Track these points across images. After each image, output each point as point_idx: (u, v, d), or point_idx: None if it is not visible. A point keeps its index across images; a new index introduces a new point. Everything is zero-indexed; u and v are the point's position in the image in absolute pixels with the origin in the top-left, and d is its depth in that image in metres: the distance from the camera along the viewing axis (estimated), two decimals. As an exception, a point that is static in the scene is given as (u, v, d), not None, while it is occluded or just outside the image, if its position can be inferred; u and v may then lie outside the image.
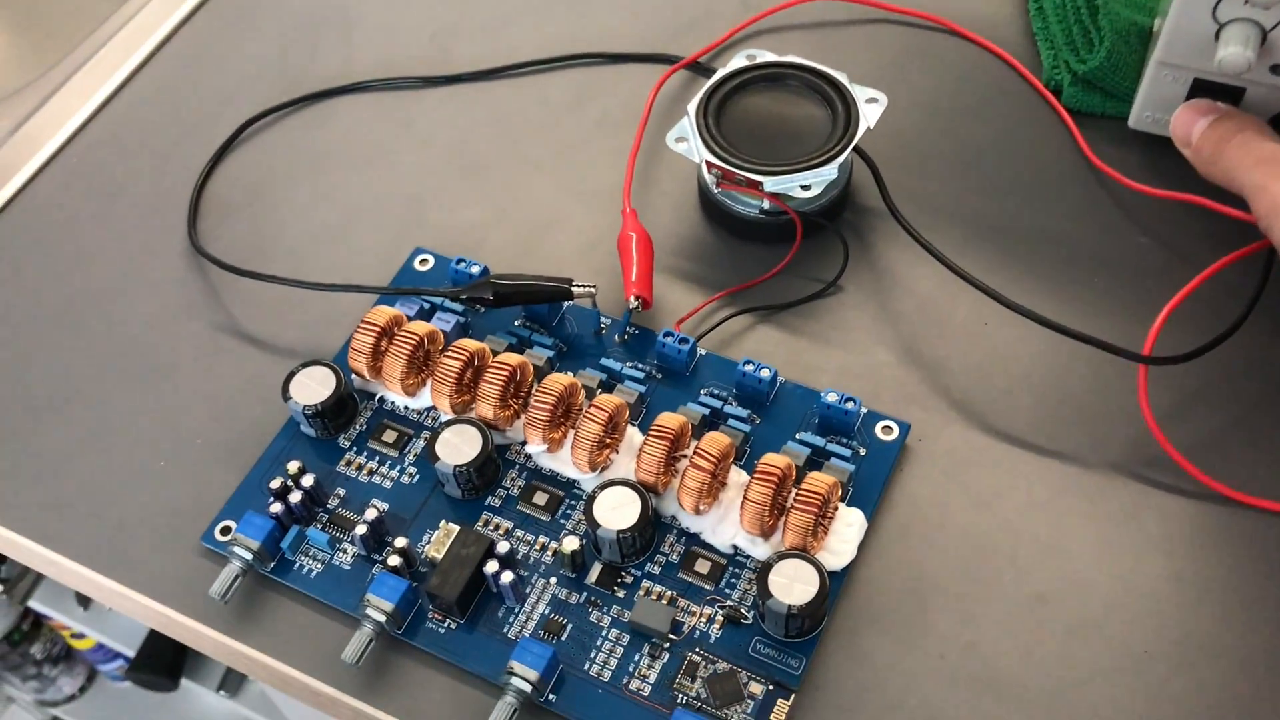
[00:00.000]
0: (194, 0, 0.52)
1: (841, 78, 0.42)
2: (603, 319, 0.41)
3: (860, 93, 0.41)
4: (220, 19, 0.52)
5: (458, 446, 0.36)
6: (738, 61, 0.43)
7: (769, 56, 0.43)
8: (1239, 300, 0.37)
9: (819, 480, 0.34)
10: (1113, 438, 0.37)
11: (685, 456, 0.36)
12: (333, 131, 0.48)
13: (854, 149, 0.40)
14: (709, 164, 0.40)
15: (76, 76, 0.50)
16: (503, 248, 0.44)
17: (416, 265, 0.43)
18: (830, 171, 0.40)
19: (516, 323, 0.41)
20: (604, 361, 0.39)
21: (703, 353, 0.40)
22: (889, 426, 0.38)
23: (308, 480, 0.37)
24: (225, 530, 0.37)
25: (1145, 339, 0.36)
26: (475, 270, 0.41)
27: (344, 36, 0.51)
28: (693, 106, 0.41)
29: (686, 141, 0.41)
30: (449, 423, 0.37)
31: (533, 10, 0.51)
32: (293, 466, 0.37)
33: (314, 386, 0.38)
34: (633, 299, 0.40)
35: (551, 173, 0.46)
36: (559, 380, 0.36)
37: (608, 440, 0.36)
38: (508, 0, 0.52)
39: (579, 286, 0.39)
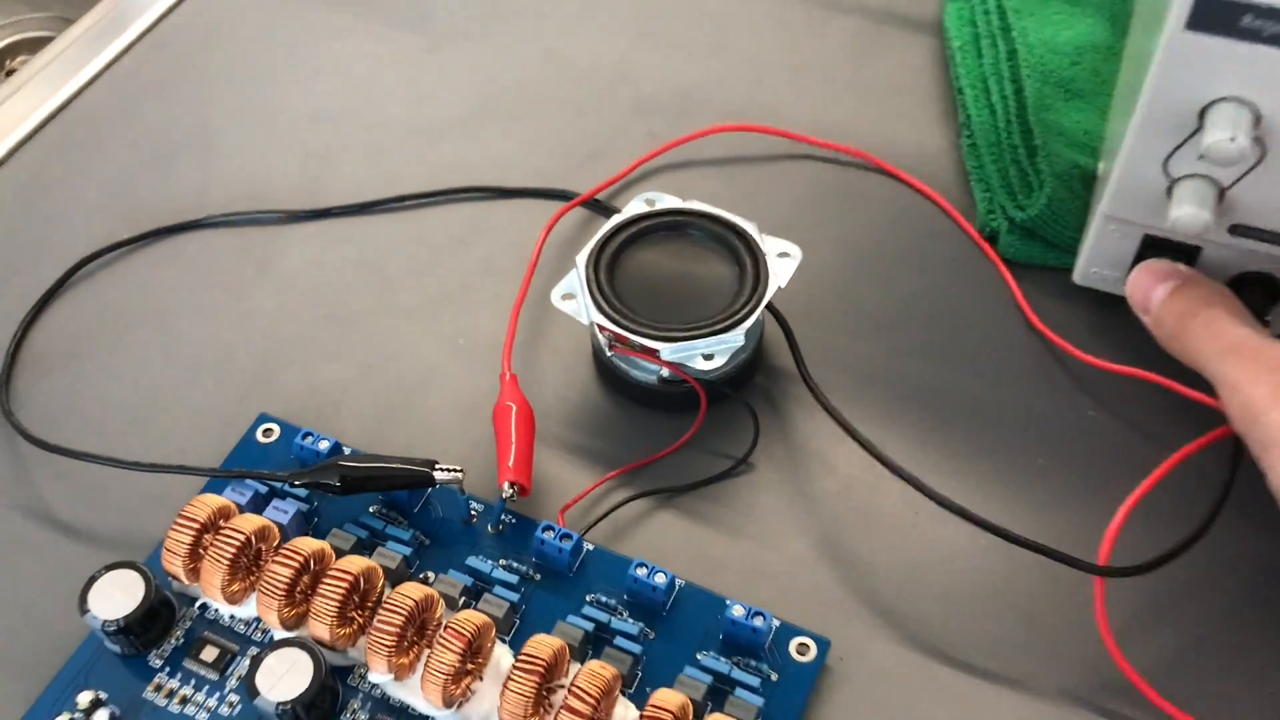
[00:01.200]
0: (35, 120, 0.47)
1: (750, 228, 0.37)
2: (474, 505, 0.35)
3: (771, 245, 0.37)
4: (64, 140, 0.47)
5: (283, 677, 0.30)
6: (635, 206, 0.38)
7: (670, 201, 0.38)
8: (1211, 487, 0.32)
9: (718, 728, 0.28)
10: (1065, 657, 0.32)
11: (562, 688, 0.30)
12: (180, 273, 0.42)
13: (764, 309, 0.35)
14: (599, 326, 0.35)
15: (-110, 204, 0.44)
16: (365, 412, 0.38)
17: (259, 436, 0.37)
18: (736, 338, 0.34)
19: (371, 510, 0.35)
20: (471, 561, 0.33)
21: (590, 548, 0.34)
22: (805, 644, 0.32)
23: (101, 717, 0.30)
24: (0, 776, 0.30)
25: (1099, 541, 0.31)
26: (323, 447, 0.35)
27: (202, 161, 0.46)
28: (582, 259, 0.36)
29: (574, 299, 0.36)
30: (277, 644, 0.31)
31: (416, 137, 0.46)
32: (84, 699, 0.31)
33: (118, 596, 0.32)
34: (507, 486, 0.34)
35: (427, 324, 0.40)
36: (409, 595, 0.30)
37: (468, 667, 0.30)
38: (389, 126, 0.47)
39: (443, 471, 0.34)
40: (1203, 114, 0.32)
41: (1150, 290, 0.35)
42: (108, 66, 0.49)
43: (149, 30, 0.51)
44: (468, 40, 0.50)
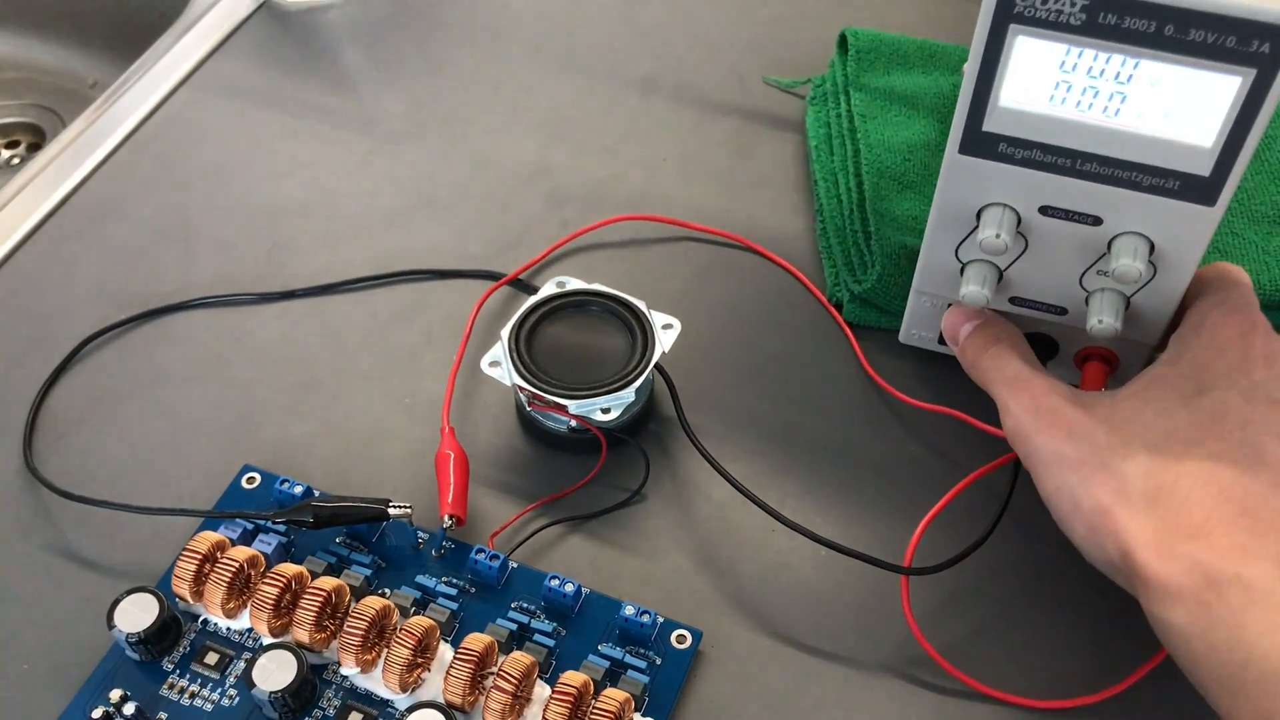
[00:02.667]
0: (37, 217, 0.55)
1: (641, 305, 0.46)
2: (420, 534, 0.43)
3: (657, 319, 0.46)
4: (62, 236, 0.54)
5: (273, 672, 0.38)
6: (548, 288, 0.47)
7: (576, 284, 0.47)
8: (996, 502, 0.41)
9: (612, 698, 0.37)
10: (883, 640, 0.41)
11: (492, 674, 0.39)
12: (170, 348, 0.50)
13: (652, 370, 0.44)
14: (520, 387, 0.44)
15: (-83, 293, 0.52)
16: (330, 460, 0.46)
17: (244, 484, 0.45)
18: (628, 395, 0.43)
19: (338, 540, 0.43)
20: (419, 579, 0.42)
21: (514, 566, 0.43)
22: (683, 635, 0.41)
23: (129, 709, 0.38)
24: (46, 760, 0.38)
25: (908, 548, 0.41)
26: (298, 491, 0.43)
27: (184, 252, 0.54)
28: (506, 332, 0.45)
29: (500, 366, 0.45)
30: (267, 647, 0.39)
31: (366, 227, 0.55)
32: (115, 695, 0.39)
33: (137, 614, 0.40)
34: (447, 518, 0.43)
35: (379, 386, 0.49)
36: (371, 605, 0.39)
37: (419, 661, 0.39)
38: (342, 218, 0.55)
39: (395, 507, 0.42)
40: (979, 214, 0.42)
41: (959, 326, 0.44)
42: (96, 169, 0.57)
43: (130, 135, 0.59)
44: (406, 143, 0.58)
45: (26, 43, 0.83)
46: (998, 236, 0.40)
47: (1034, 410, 0.39)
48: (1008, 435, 0.40)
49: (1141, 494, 0.35)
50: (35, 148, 0.81)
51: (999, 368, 0.41)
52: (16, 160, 0.80)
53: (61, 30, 0.82)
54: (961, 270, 0.43)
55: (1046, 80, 0.38)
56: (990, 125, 0.39)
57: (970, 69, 0.38)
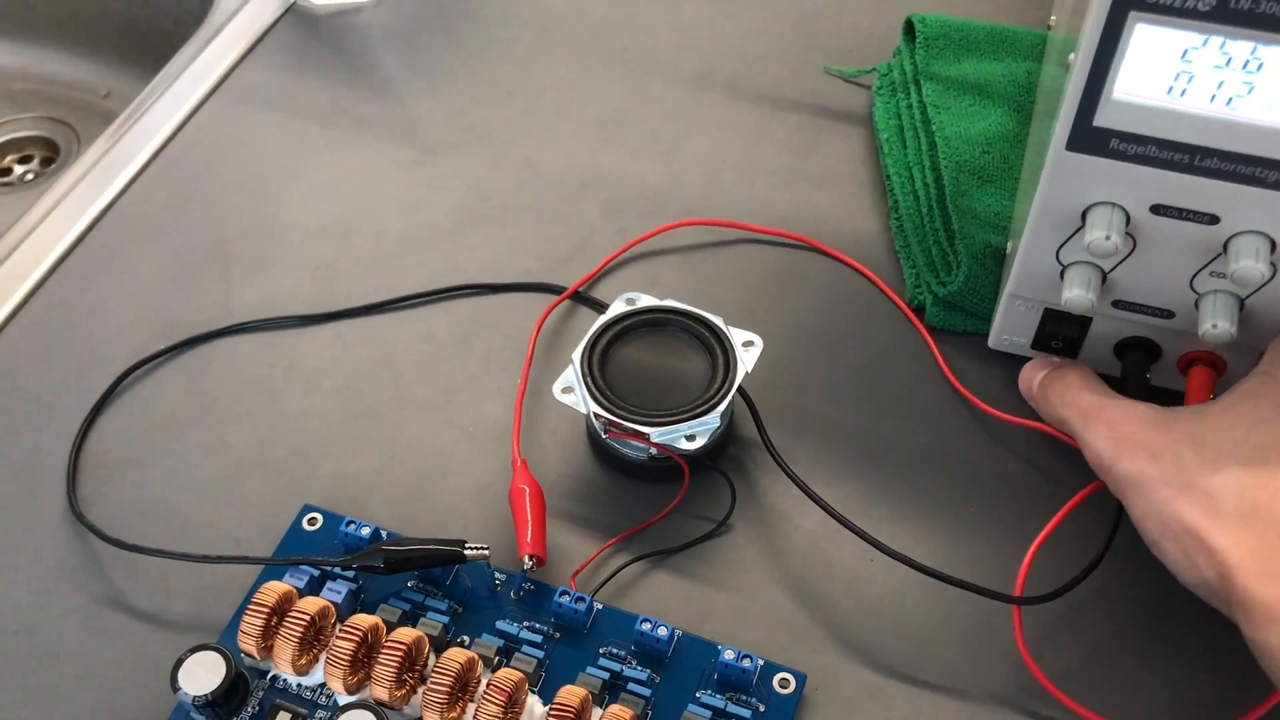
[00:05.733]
0: (64, 245, 0.52)
1: (719, 321, 0.43)
2: (497, 576, 0.41)
3: (737, 336, 0.43)
4: (92, 262, 0.52)
5: (354, 737, 0.36)
6: (618, 306, 0.44)
7: (647, 300, 0.44)
8: (1104, 522, 0.39)
9: (719, 753, 0.35)
10: (994, 671, 0.39)
11: (587, 727, 0.36)
12: (214, 378, 0.47)
13: (735, 392, 0.42)
14: (595, 414, 0.41)
15: (-56, 330, 0.49)
16: (394, 497, 0.44)
17: (305, 525, 0.42)
18: (713, 420, 0.41)
19: (410, 585, 0.41)
20: (500, 625, 0.39)
21: (599, 607, 0.40)
22: (786, 679, 0.38)
23: (200, 778, 0.36)
24: (114, 835, 0.36)
25: (1017, 573, 0.38)
26: (365, 533, 0.41)
27: (223, 274, 0.51)
28: (577, 355, 0.42)
29: (573, 392, 0.42)
30: (344, 706, 0.36)
31: (414, 243, 0.52)
32: (183, 764, 0.36)
33: (203, 675, 0.37)
34: (527, 559, 0.40)
35: (439, 414, 0.46)
36: (455, 658, 0.36)
37: (507, 717, 0.36)
38: (388, 234, 0.52)
39: (471, 549, 0.40)
40: (1084, 215, 0.39)
41: (1032, 380, 0.43)
42: (125, 189, 0.54)
43: (158, 153, 0.56)
44: (452, 152, 0.55)
45: (35, 53, 0.80)
46: (1107, 238, 0.38)
47: (1111, 437, 0.37)
48: (1091, 465, 0.38)
49: (1235, 512, 0.34)
50: (48, 162, 0.78)
51: (1069, 404, 0.40)
52: (30, 175, 0.77)
53: (72, 39, 0.79)
54: (1062, 273, 0.41)
55: (1166, 71, 0.35)
56: (1102, 120, 0.36)
57: (1081, 60, 0.35)
